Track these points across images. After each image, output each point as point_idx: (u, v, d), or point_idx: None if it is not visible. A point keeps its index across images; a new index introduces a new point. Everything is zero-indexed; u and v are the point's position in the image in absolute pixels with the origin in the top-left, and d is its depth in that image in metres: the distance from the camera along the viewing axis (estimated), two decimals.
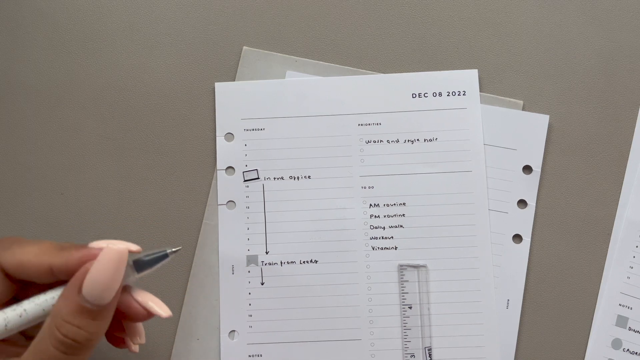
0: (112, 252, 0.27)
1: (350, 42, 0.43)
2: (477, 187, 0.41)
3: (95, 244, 0.29)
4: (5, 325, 0.27)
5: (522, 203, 0.41)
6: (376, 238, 0.41)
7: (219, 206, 0.42)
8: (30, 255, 0.29)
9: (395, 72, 0.43)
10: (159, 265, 0.30)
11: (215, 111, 0.42)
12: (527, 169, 0.41)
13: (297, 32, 0.43)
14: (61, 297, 0.27)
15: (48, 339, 0.26)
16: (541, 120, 0.42)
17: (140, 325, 0.33)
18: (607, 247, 0.41)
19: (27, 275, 0.29)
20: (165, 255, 0.30)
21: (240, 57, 0.43)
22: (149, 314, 0.30)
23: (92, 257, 0.28)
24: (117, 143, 0.43)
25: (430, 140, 0.42)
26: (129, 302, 0.30)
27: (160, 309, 0.30)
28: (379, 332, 0.40)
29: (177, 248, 0.31)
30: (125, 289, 0.30)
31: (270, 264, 0.41)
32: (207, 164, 0.42)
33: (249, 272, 0.41)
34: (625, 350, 0.40)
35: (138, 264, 0.29)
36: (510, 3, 0.43)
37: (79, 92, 0.43)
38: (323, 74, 0.43)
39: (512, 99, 0.42)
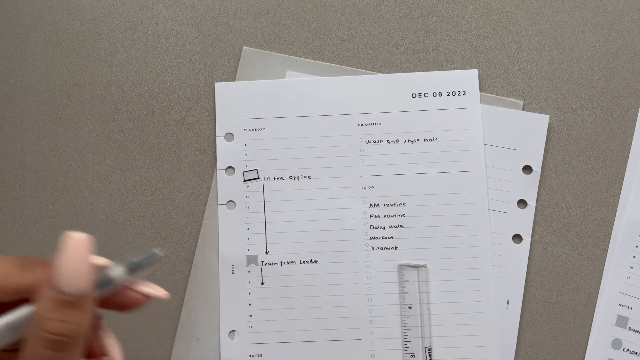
0: (74, 238, 0.27)
1: (350, 42, 0.43)
2: (477, 187, 0.41)
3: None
4: None
5: (522, 203, 0.41)
6: (376, 238, 0.41)
7: (219, 206, 0.42)
8: None
9: (395, 72, 0.43)
10: (150, 267, 0.30)
11: (215, 111, 0.42)
12: (527, 169, 0.41)
13: (297, 32, 0.43)
14: (38, 300, 0.27)
15: (36, 343, 0.26)
16: (541, 120, 0.42)
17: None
18: (607, 247, 0.41)
19: None
20: (155, 255, 0.30)
21: (240, 57, 0.43)
22: (144, 298, 0.30)
23: None
24: (117, 143, 0.43)
25: (430, 140, 0.42)
26: (125, 292, 0.30)
27: (157, 291, 0.30)
28: (379, 332, 0.40)
29: (163, 252, 0.31)
30: (121, 286, 0.30)
31: (270, 264, 0.41)
32: (207, 164, 0.42)
33: (249, 272, 0.41)
34: (625, 350, 0.40)
35: (130, 267, 0.29)
36: (511, 3, 0.43)
37: (79, 92, 0.43)
38: (323, 74, 0.43)
39: (512, 99, 0.42)
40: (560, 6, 0.43)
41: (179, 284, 0.41)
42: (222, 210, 0.42)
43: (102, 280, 0.28)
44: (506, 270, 0.41)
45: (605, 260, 0.41)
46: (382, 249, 0.41)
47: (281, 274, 0.41)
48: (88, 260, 0.27)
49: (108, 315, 0.27)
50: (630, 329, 0.40)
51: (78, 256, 0.27)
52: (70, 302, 0.26)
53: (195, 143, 0.42)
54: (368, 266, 0.41)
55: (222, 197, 0.42)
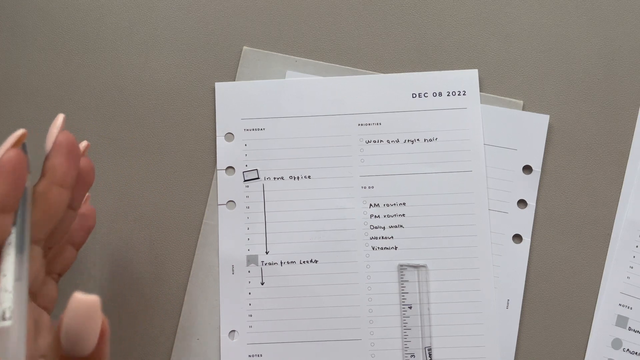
0: (78, 303, 0.25)
1: (350, 42, 0.43)
2: (477, 187, 0.41)
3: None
4: None
5: (522, 203, 0.41)
6: (376, 238, 0.41)
7: (219, 206, 0.42)
8: None
9: (395, 72, 0.43)
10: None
11: (215, 111, 0.42)
12: (527, 169, 0.41)
13: (297, 32, 0.43)
14: (51, 344, 0.27)
15: None
16: (541, 120, 0.42)
17: None
18: (607, 247, 0.41)
19: None
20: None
21: (240, 57, 0.43)
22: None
23: None
24: (118, 143, 0.43)
25: (430, 140, 0.42)
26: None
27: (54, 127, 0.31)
28: (379, 332, 0.40)
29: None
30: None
31: (270, 264, 0.41)
32: (207, 164, 0.42)
33: (249, 272, 0.41)
34: (625, 350, 0.40)
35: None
36: (510, 3, 0.43)
37: (79, 92, 0.43)
38: (323, 74, 0.43)
39: (512, 99, 0.42)
40: (560, 6, 0.43)
41: (179, 284, 0.41)
42: (222, 210, 0.42)
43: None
44: (506, 270, 0.41)
45: (605, 260, 0.41)
46: (382, 249, 0.41)
47: (281, 274, 0.41)
48: (93, 325, 0.26)
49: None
50: (630, 329, 0.40)
51: (81, 321, 0.25)
52: None
53: (195, 143, 0.42)
54: (368, 266, 0.41)
55: (222, 197, 0.42)
